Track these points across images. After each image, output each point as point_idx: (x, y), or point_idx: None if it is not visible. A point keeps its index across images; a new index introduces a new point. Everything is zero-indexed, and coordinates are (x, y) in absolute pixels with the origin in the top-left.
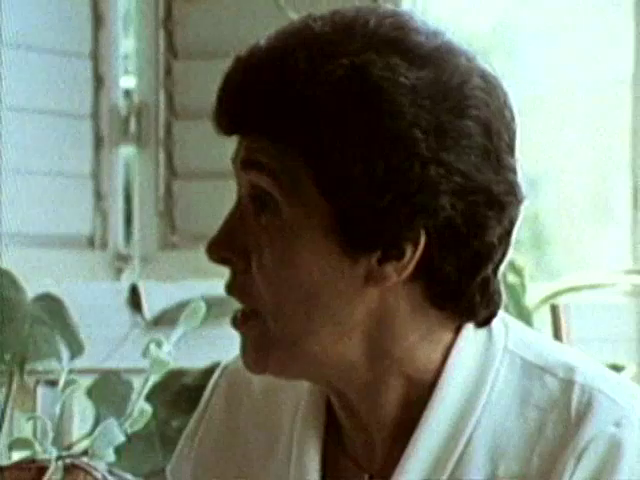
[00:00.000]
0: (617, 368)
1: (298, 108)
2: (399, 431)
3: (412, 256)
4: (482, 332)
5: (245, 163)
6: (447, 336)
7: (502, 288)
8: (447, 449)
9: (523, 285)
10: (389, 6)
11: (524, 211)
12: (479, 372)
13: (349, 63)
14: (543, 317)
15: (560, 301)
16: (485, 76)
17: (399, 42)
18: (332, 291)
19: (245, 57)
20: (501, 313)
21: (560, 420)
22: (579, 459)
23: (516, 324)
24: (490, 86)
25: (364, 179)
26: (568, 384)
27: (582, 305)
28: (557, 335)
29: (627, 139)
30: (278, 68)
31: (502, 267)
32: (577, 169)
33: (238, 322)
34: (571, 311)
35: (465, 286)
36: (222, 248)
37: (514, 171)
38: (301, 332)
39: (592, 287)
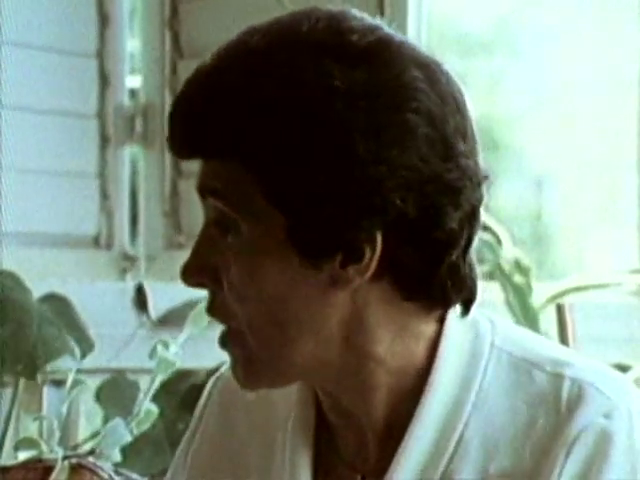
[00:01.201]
0: (623, 368)
1: (237, 126)
2: (391, 430)
3: (372, 256)
4: (468, 329)
5: (201, 189)
6: (428, 328)
7: (498, 281)
8: (439, 447)
9: (529, 285)
10: (327, 7)
11: (530, 211)
12: (467, 369)
13: (279, 74)
14: (549, 317)
15: (566, 301)
16: (424, 64)
17: (331, 45)
18: (301, 301)
19: (190, 79)
20: (486, 310)
21: (550, 413)
22: (569, 451)
23: (502, 321)
24: (430, 73)
25: (307, 188)
26: (557, 378)
27: (588, 305)
28: (563, 335)
29: (634, 138)
30: (216, 88)
31: (471, 250)
32: (583, 168)
33: (223, 342)
34: (577, 311)
35: (432, 275)
36: (194, 273)
37: (465, 155)
38: (279, 345)
39: (598, 287)
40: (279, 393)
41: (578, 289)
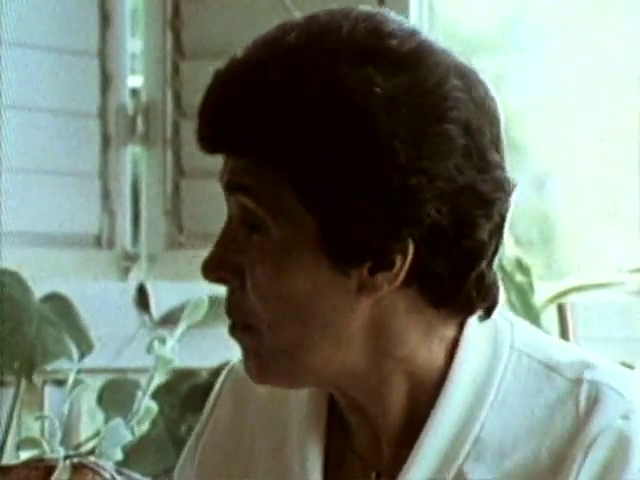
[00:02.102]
0: (625, 367)
1: (273, 125)
2: (406, 429)
3: (402, 265)
4: (487, 330)
5: (229, 185)
6: (449, 332)
7: (500, 281)
8: (455, 448)
9: (531, 284)
10: (364, 7)
11: (531, 210)
12: (486, 371)
13: (323, 78)
14: (551, 316)
15: (568, 300)
16: (463, 73)
17: (372, 50)
18: (326, 304)
19: (222, 73)
20: (505, 312)
21: (568, 415)
22: (587, 452)
23: (521, 323)
24: (468, 82)
25: (344, 194)
26: (576, 383)
27: (590, 304)
28: (564, 334)
29: (637, 137)
30: (252, 85)
31: (496, 259)
32: (585, 168)
33: (235, 330)
34: (579, 310)
35: (460, 285)
36: (216, 268)
37: (499, 166)
38: (297, 345)
39: (600, 286)
40: (293, 393)
41: (580, 289)
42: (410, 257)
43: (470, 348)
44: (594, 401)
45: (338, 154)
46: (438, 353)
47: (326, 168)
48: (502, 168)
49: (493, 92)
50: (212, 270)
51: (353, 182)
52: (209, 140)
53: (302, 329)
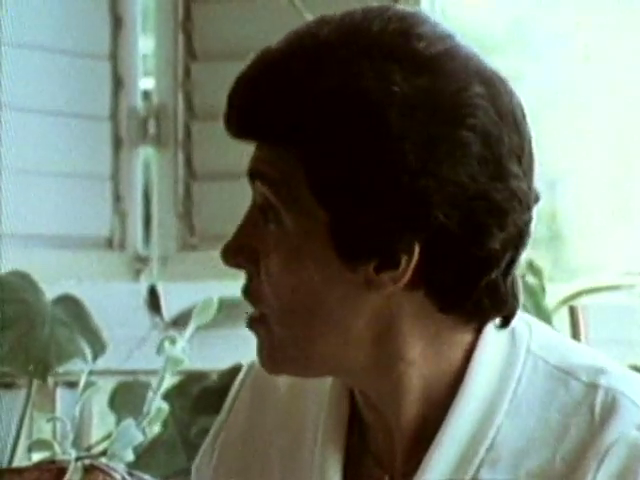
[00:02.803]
0: (637, 370)
1: (292, 114)
2: (420, 432)
3: (407, 265)
4: (505, 333)
5: (251, 172)
6: (465, 337)
7: (520, 289)
8: (469, 452)
9: (542, 286)
10: (401, 7)
11: (542, 211)
12: (502, 375)
13: (341, 72)
14: (562, 319)
15: (579, 302)
16: (488, 81)
17: (398, 50)
18: (334, 298)
19: (254, 60)
20: (523, 314)
21: (583, 422)
22: (601, 462)
23: (539, 325)
24: (493, 90)
25: (353, 189)
26: (592, 388)
27: (601, 306)
28: (576, 337)
29: None
30: (277, 74)
31: (515, 270)
32: (596, 169)
33: (250, 323)
34: (590, 312)
35: (468, 292)
36: (234, 254)
37: (518, 176)
38: (304, 337)
39: (611, 288)
40: (313, 385)
41: (591, 291)
42: (415, 258)
43: (487, 353)
44: (609, 409)
45: (350, 150)
46: (451, 357)
47: (338, 162)
48: (521, 179)
49: (521, 102)
50: (232, 255)
51: (362, 178)
52: (235, 125)
53: (309, 320)
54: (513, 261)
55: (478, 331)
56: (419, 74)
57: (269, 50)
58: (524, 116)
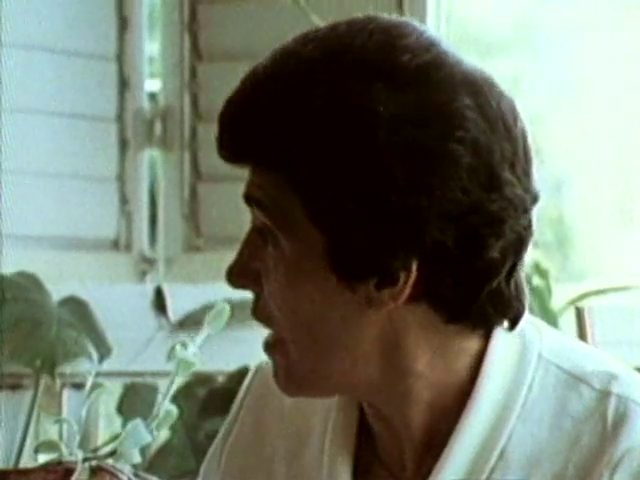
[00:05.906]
0: None
1: (280, 140)
2: (430, 442)
3: (405, 282)
4: (515, 339)
5: (246, 198)
6: (472, 344)
7: (525, 290)
8: (480, 460)
9: (549, 288)
10: (386, 17)
11: (548, 213)
12: (513, 381)
13: (327, 93)
14: (568, 320)
15: (585, 304)
16: (476, 88)
17: (381, 65)
18: (337, 318)
19: (242, 82)
20: (533, 319)
21: (595, 431)
22: (614, 471)
23: (549, 330)
24: (481, 99)
25: (345, 211)
26: (604, 395)
27: (607, 308)
28: (582, 338)
29: None
30: (262, 100)
31: (518, 272)
32: (602, 171)
33: (266, 348)
34: (596, 314)
35: (469, 302)
36: (237, 276)
37: (512, 183)
38: (315, 358)
39: (617, 290)
40: (318, 399)
41: (597, 292)
42: (414, 274)
43: (496, 361)
44: (621, 418)
45: (339, 171)
46: (459, 366)
47: (329, 185)
48: (515, 185)
49: (512, 102)
50: (236, 277)
51: (353, 199)
52: (224, 149)
53: (316, 340)
54: (515, 265)
55: (486, 337)
56: (404, 90)
57: (256, 71)
58: (515, 118)
